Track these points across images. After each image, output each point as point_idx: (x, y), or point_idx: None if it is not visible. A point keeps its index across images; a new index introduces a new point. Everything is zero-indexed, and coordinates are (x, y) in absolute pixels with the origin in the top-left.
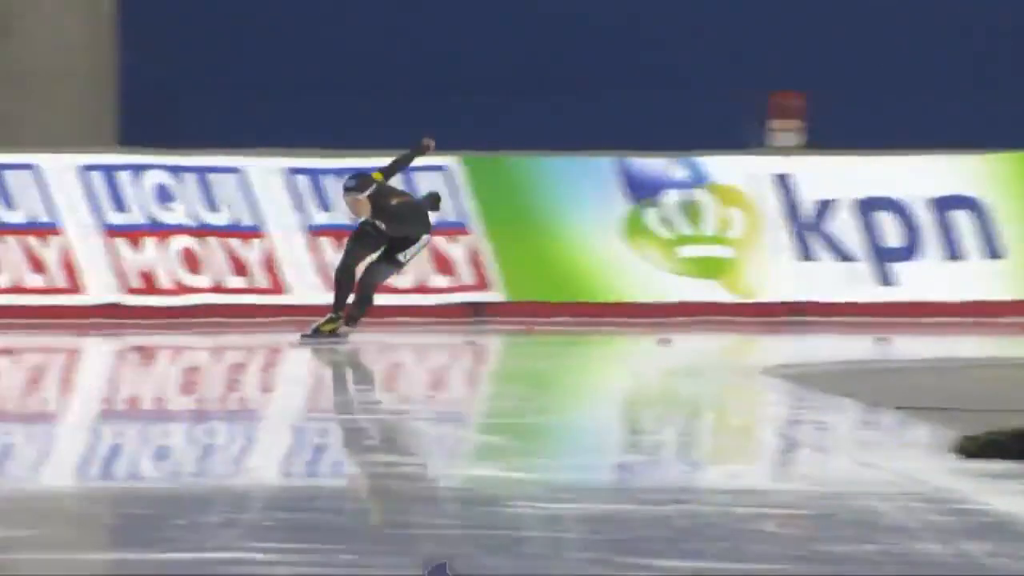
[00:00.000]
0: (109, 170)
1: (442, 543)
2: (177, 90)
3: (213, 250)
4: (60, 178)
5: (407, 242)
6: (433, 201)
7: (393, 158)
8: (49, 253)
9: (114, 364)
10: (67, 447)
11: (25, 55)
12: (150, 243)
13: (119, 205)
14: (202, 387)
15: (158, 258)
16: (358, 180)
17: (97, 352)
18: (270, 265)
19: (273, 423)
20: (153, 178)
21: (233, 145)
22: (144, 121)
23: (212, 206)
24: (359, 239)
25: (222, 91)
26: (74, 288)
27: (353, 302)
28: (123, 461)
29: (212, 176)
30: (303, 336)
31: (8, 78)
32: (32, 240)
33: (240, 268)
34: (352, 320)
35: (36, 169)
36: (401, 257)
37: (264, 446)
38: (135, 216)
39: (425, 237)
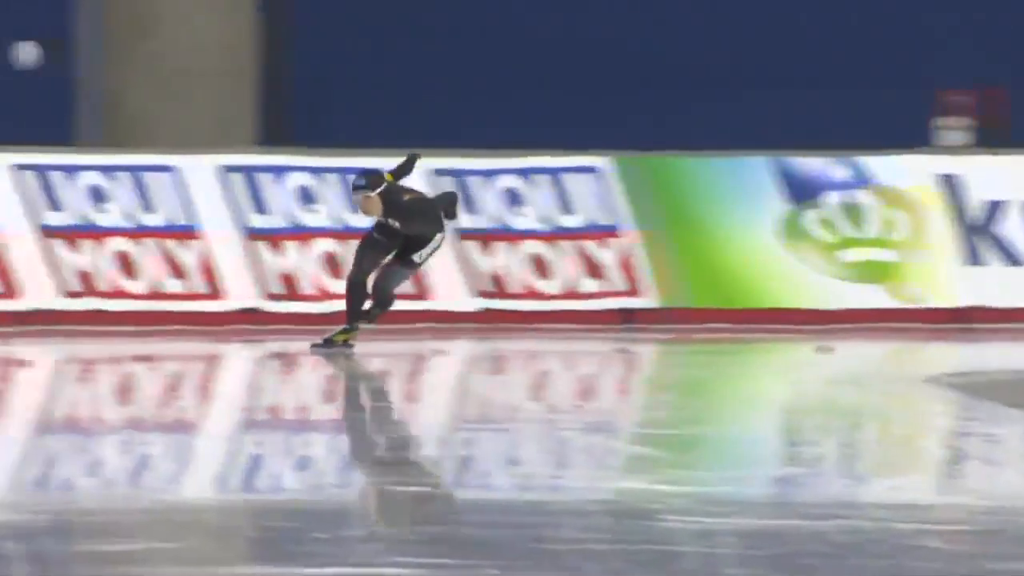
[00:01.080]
0: (250, 171)
1: (591, 558)
2: (319, 89)
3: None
4: (199, 180)
5: (421, 242)
6: (449, 203)
7: (400, 162)
8: (188, 257)
9: (255, 372)
10: (207, 457)
11: (166, 55)
12: (292, 247)
13: (260, 207)
14: (343, 396)
15: (300, 262)
16: (368, 178)
17: (237, 359)
18: None
19: (418, 433)
20: (296, 180)
21: (376, 145)
22: (285, 121)
23: (355, 209)
24: (368, 247)
25: (366, 90)
26: (214, 293)
27: (371, 307)
28: (264, 472)
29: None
30: (313, 346)
31: (148, 78)
32: (171, 243)
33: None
34: (368, 319)
35: (175, 171)
36: (416, 258)
37: (409, 457)
38: (277, 219)
39: (439, 236)
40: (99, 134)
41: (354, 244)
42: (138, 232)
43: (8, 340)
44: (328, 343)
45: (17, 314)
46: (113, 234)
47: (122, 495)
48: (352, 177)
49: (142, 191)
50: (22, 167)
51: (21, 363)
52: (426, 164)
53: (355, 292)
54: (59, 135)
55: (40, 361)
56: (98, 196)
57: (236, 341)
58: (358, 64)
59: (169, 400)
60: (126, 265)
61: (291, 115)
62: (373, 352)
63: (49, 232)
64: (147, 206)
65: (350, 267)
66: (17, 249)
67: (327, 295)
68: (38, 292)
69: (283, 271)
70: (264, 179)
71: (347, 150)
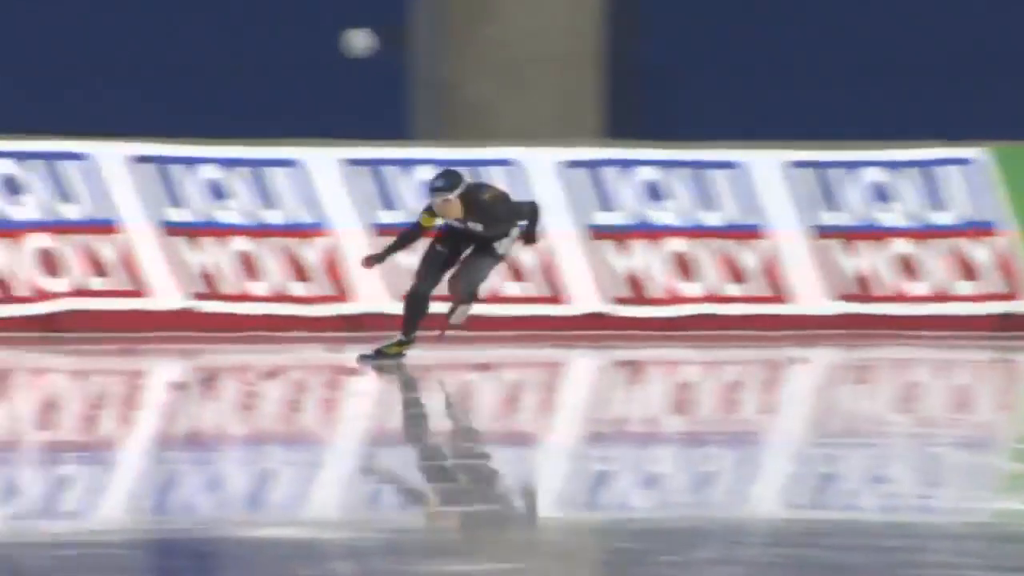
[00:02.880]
0: (594, 166)
1: None
2: (668, 76)
3: (711, 252)
4: (540, 174)
5: (500, 237)
6: (531, 216)
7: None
8: (527, 257)
9: (600, 380)
10: (548, 471)
11: (508, 41)
12: (638, 246)
13: (604, 203)
14: (696, 406)
15: (648, 264)
16: (448, 178)
17: (581, 367)
18: (771, 269)
19: (775, 448)
20: (642, 175)
21: (727, 137)
22: (632, 112)
23: (709, 205)
24: (432, 262)
25: (717, 77)
26: (556, 298)
27: (457, 306)
28: (610, 489)
29: (709, 173)
30: (362, 357)
31: (488, 66)
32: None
33: (737, 275)
34: (453, 320)
35: (516, 164)
36: (500, 249)
37: (766, 474)
38: (622, 216)
39: (515, 231)
40: (435, 126)
41: (710, 243)
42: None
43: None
44: (379, 354)
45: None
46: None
47: (454, 512)
48: (432, 178)
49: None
50: (354, 162)
51: (349, 370)
52: (783, 156)
53: (417, 304)
54: (393, 129)
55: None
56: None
57: (581, 347)
58: (709, 50)
59: (510, 409)
60: None
61: (638, 105)
62: (727, 359)
63: (383, 231)
64: None
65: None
66: (349, 247)
67: (677, 299)
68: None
69: (630, 274)
70: (609, 174)
71: (698, 142)
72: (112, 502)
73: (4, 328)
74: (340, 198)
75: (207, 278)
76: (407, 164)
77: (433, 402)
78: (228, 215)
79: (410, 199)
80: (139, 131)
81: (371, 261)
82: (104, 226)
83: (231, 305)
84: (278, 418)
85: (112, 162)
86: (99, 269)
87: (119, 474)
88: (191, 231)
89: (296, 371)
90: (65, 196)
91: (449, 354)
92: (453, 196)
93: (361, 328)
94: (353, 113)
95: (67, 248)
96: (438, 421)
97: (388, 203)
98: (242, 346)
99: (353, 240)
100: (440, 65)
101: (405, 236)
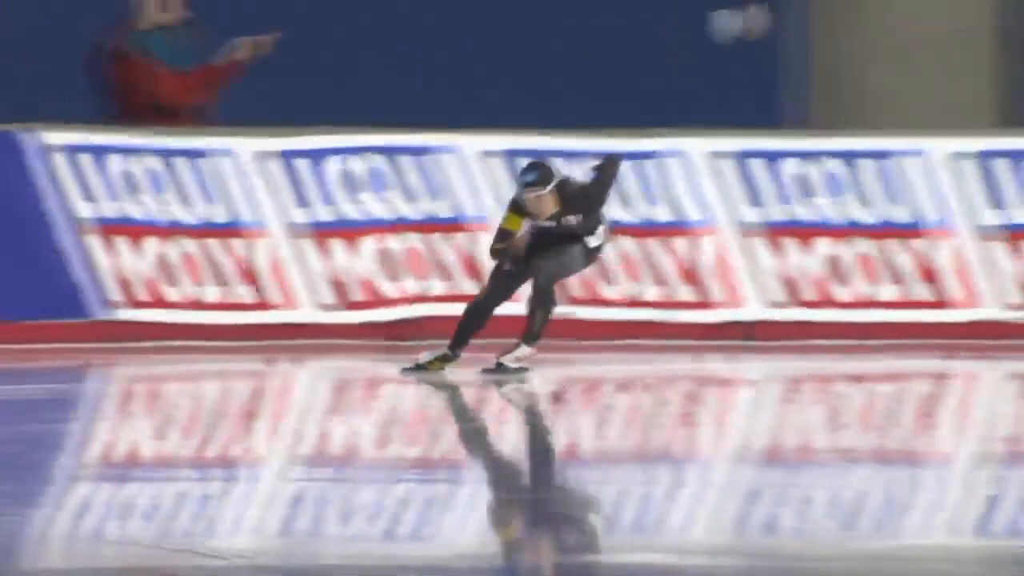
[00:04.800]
0: (986, 157)
1: None
2: None
3: None
4: (926, 167)
5: (593, 229)
6: (612, 164)
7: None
8: (903, 259)
9: (995, 392)
10: (930, 496)
11: (892, 21)
12: None
13: (994, 199)
14: None
15: None
16: (540, 172)
17: (987, 377)
18: None
19: None
20: None
21: None
22: None
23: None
24: (502, 276)
25: None
26: (941, 303)
27: (537, 314)
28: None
29: None
30: (405, 369)
31: (868, 48)
32: (894, 243)
33: None
34: (532, 339)
35: (896, 156)
36: (594, 240)
37: None
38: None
39: (603, 228)
40: (808, 115)
41: None
42: (853, 230)
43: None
44: (419, 368)
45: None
46: (821, 232)
47: (847, 538)
48: (521, 172)
49: (859, 179)
50: (719, 155)
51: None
52: None
53: (475, 317)
54: (760, 117)
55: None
56: (805, 186)
57: (970, 357)
58: None
59: (895, 422)
60: (835, 269)
61: None
62: None
63: (751, 230)
64: (864, 199)
65: None
66: (725, 247)
67: None
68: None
69: None
70: (1000, 165)
71: None
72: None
73: (345, 335)
74: (711, 195)
75: (559, 284)
76: (774, 157)
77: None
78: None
79: (775, 195)
80: (495, 123)
81: (498, 255)
82: (449, 224)
83: (585, 311)
84: (648, 433)
85: (462, 156)
86: (443, 272)
87: (473, 491)
88: None
89: (659, 381)
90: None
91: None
92: (547, 191)
93: (752, 337)
94: (718, 101)
95: (412, 249)
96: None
97: (755, 199)
98: (595, 355)
99: (723, 238)
100: (817, 48)
101: (501, 236)
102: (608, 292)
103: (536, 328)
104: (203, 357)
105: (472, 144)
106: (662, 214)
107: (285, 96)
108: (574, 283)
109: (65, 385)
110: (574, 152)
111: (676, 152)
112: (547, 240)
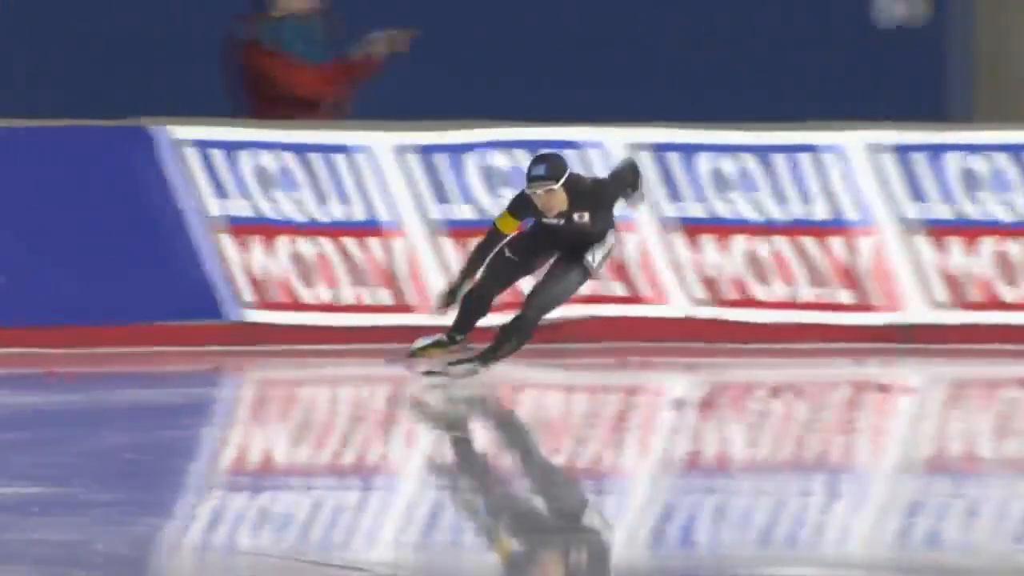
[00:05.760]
0: None
1: None
2: None
3: None
4: None
5: (597, 243)
6: (631, 174)
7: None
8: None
9: None
10: None
11: None
12: None
13: None
14: None
15: None
16: (550, 165)
17: None
18: None
19: None
20: None
21: None
22: None
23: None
24: (500, 267)
25: None
26: None
27: (512, 340)
28: None
29: None
30: (429, 372)
31: None
32: None
33: None
34: (490, 361)
35: None
36: (591, 258)
37: None
38: None
39: (612, 233)
40: (970, 107)
41: None
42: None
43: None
44: (416, 354)
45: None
46: (988, 231)
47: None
48: (531, 164)
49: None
50: (879, 148)
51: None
52: None
53: (476, 303)
54: (923, 109)
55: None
56: (972, 181)
57: None
58: None
59: None
60: (1004, 269)
61: None
62: None
63: (911, 229)
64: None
65: None
66: (884, 245)
67: None
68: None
69: None
70: None
71: None
72: (615, 532)
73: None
74: (876, 190)
75: (709, 283)
76: (939, 150)
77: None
78: (734, 209)
79: (938, 190)
80: (642, 116)
81: (444, 302)
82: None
83: (737, 312)
84: (802, 442)
85: (606, 151)
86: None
87: (617, 501)
88: (694, 228)
89: (816, 387)
90: None
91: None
92: (559, 186)
93: (912, 340)
94: (878, 91)
95: None
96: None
97: (917, 194)
98: (749, 359)
99: (883, 237)
100: (982, 35)
101: (482, 249)
102: (761, 293)
103: (501, 353)
104: (338, 360)
105: (618, 138)
106: (819, 212)
107: (421, 89)
108: (726, 284)
109: (198, 389)
110: (726, 146)
111: (833, 146)
112: (551, 242)
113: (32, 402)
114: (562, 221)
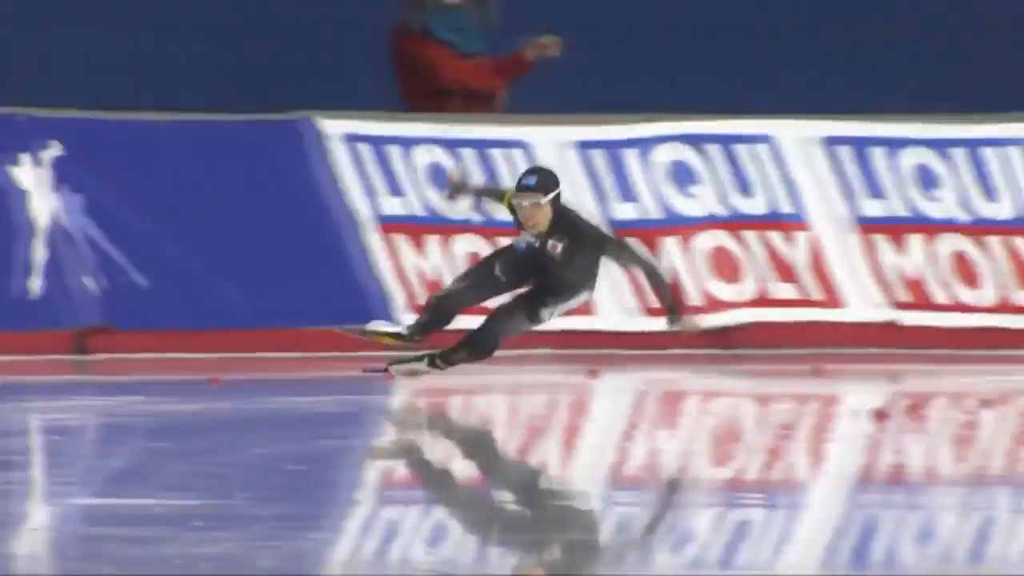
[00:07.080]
0: None
1: None
2: None
3: None
4: None
5: (561, 292)
6: (651, 278)
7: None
8: None
9: None
10: None
11: None
12: None
13: None
14: None
15: None
16: (540, 178)
17: None
18: None
19: None
20: None
21: None
22: None
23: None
24: (481, 276)
25: None
26: None
27: (468, 346)
28: None
29: None
30: (366, 371)
31: None
32: None
33: None
34: (448, 362)
35: None
36: (545, 314)
37: None
38: None
39: (588, 294)
40: None
41: None
42: None
43: None
44: (364, 333)
45: None
46: None
47: None
48: (523, 174)
49: None
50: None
51: None
52: None
53: (446, 311)
54: None
55: None
56: None
57: None
58: None
59: None
60: None
61: None
62: None
63: None
64: None
65: None
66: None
67: None
68: None
69: None
70: None
71: None
72: (798, 551)
73: (672, 345)
74: None
75: (911, 285)
76: None
77: None
78: (937, 208)
79: None
80: (812, 109)
81: (456, 190)
82: (788, 222)
83: (940, 316)
84: (997, 455)
85: (796, 145)
86: (784, 274)
87: (803, 521)
88: (892, 228)
89: (996, 396)
90: (743, 186)
91: None
92: (546, 200)
93: None
94: None
95: (745, 249)
96: None
97: None
98: (952, 366)
99: None
100: None
101: (491, 191)
102: (938, 296)
103: (454, 361)
104: (510, 368)
105: (788, 132)
106: (1001, 210)
107: (580, 84)
108: (899, 288)
109: (350, 397)
110: (897, 139)
111: (1016, 139)
112: (534, 272)
113: (191, 410)
114: (537, 243)
